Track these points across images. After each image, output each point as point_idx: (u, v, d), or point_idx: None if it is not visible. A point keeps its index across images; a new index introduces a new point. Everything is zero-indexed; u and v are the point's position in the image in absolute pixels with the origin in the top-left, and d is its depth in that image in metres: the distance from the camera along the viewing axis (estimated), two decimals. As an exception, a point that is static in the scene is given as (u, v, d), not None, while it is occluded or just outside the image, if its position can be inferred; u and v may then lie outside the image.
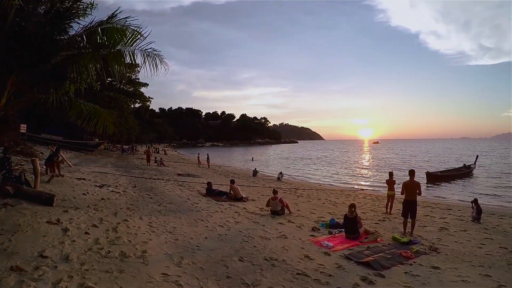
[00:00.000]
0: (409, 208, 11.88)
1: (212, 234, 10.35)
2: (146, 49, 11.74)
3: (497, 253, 10.08)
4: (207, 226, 11.24)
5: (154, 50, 11.91)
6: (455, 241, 11.35)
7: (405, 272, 7.86)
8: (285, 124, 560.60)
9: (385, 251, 9.44)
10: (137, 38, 11.51)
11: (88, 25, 11.33)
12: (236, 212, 14.23)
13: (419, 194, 11.98)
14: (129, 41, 11.54)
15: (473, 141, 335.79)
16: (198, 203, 15.49)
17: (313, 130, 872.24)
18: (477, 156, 51.62)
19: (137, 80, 67.60)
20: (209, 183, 19.40)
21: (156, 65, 11.94)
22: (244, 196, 17.76)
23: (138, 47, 11.68)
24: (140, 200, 15.05)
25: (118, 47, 11.61)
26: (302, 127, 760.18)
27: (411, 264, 8.49)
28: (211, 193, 18.30)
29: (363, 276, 7.46)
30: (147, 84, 72.08)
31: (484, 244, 11.13)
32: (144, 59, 11.79)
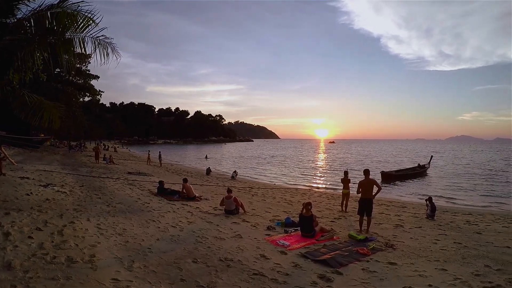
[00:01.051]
0: (365, 206, 12.04)
1: (164, 235, 10.06)
2: (97, 37, 11.34)
3: (451, 248, 10.36)
4: (159, 227, 10.91)
5: (106, 37, 11.53)
6: (411, 238, 11.58)
7: (363, 269, 7.89)
8: (241, 122, 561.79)
9: (342, 249, 9.47)
10: (88, 24, 11.07)
11: (37, 8, 10.78)
12: (189, 212, 13.95)
13: (379, 187, 12.15)
14: (80, 27, 11.06)
15: (428, 143, 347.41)
16: (149, 203, 15.10)
17: (269, 129, 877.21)
18: (432, 156, 53.26)
19: (87, 72, 65.23)
20: (160, 182, 19.04)
21: (107, 54, 11.56)
22: (197, 195, 17.50)
23: (89, 34, 11.26)
24: (88, 201, 14.54)
25: (68, 34, 11.12)
26: (258, 125, 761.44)
27: (368, 261, 8.53)
28: (162, 192, 17.92)
29: (320, 274, 7.42)
30: (98, 77, 69.83)
31: (439, 240, 11.42)
32: (95, 47, 11.38)
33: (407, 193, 28.10)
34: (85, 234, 9.42)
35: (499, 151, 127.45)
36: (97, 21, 11.10)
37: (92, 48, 11.40)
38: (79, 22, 10.99)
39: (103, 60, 11.43)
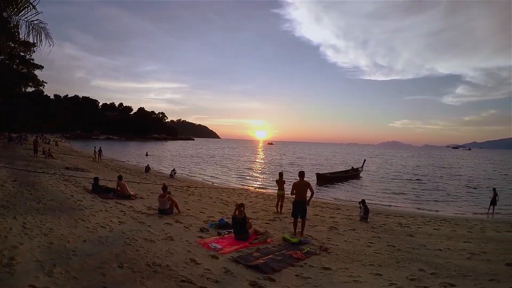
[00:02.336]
0: (299, 208, 11.73)
1: (92, 236, 9.26)
2: (32, 21, 10.43)
3: (385, 251, 10.27)
4: (88, 227, 10.09)
5: (41, 22, 10.62)
6: (345, 240, 11.43)
7: (296, 275, 7.49)
8: (183, 120, 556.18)
9: (275, 253, 9.06)
10: (26, 6, 10.16)
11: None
12: (122, 211, 13.12)
13: (312, 192, 11.82)
14: (17, 8, 10.15)
15: (361, 147, 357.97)
16: (82, 201, 14.14)
17: (210, 128, 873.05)
18: (364, 160, 54.49)
19: (31, 61, 61.68)
20: (95, 179, 17.88)
21: (41, 40, 10.66)
22: (132, 193, 16.63)
23: (24, 17, 10.34)
24: (18, 196, 13.63)
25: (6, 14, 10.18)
26: (199, 124, 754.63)
27: (301, 266, 8.17)
28: (97, 189, 16.90)
29: (252, 280, 6.95)
30: (42, 67, 66.49)
31: (372, 243, 11.34)
32: (29, 31, 10.48)
33: (341, 195, 28.32)
34: (8, 233, 8.76)
35: (427, 156, 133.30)
36: (35, 6, 10.17)
37: (26, 32, 10.46)
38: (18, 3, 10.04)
39: (37, 46, 10.53)
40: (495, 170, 67.92)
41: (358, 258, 9.27)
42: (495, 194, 22.11)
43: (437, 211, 22.52)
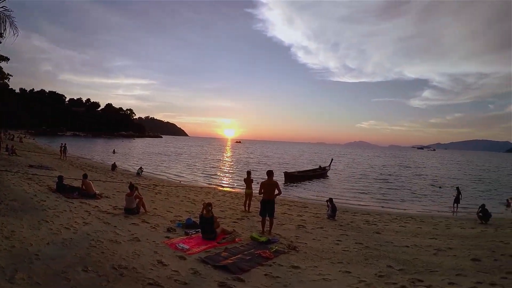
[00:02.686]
0: (267, 207, 11.62)
1: (56, 238, 8.82)
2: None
3: (353, 249, 10.33)
4: (51, 229, 9.62)
5: (6, 9, 10.20)
6: (313, 239, 11.42)
7: (265, 274, 7.41)
8: (151, 117, 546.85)
9: (244, 252, 8.94)
10: None
11: None
12: (87, 211, 12.62)
13: (279, 191, 11.76)
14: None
15: (328, 146, 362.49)
16: (45, 201, 13.49)
17: (179, 126, 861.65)
18: (332, 159, 55.11)
19: None
20: (60, 177, 17.07)
21: (5, 29, 10.24)
22: (97, 192, 16.14)
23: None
24: (-21, 197, 12.85)
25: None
26: (168, 122, 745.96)
27: (270, 265, 8.08)
28: (61, 188, 16.28)
29: (221, 281, 6.80)
30: (8, 58, 64.21)
31: (340, 241, 11.38)
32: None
33: (308, 193, 28.42)
34: (-31, 238, 8.14)
35: (393, 156, 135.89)
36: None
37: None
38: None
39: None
40: (459, 170, 70.19)
41: (327, 256, 9.26)
42: (459, 193, 22.70)
43: (405, 209, 22.89)
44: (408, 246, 10.96)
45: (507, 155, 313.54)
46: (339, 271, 7.96)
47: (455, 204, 22.57)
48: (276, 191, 11.72)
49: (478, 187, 39.15)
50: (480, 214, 17.26)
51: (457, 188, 23.81)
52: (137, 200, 13.15)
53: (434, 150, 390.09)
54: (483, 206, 17.50)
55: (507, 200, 19.99)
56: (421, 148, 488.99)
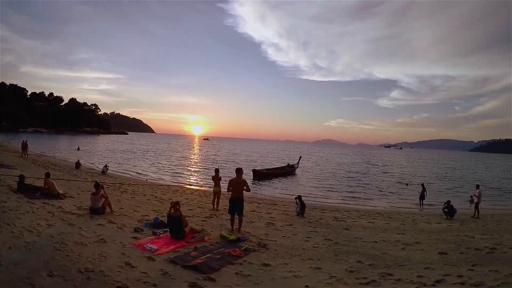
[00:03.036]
0: (236, 205, 11.57)
1: (18, 242, 8.35)
2: None
3: (323, 245, 10.40)
4: (13, 232, 9.09)
5: None
6: (283, 236, 11.43)
7: (236, 273, 7.34)
8: (117, 113, 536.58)
9: (213, 251, 8.85)
10: None
11: None
12: (50, 212, 12.06)
13: (248, 190, 11.75)
14: None
15: (297, 144, 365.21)
16: (6, 202, 12.78)
17: (145, 122, 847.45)
18: (300, 157, 55.22)
19: None
20: (21, 177, 16.21)
21: None
22: (61, 192, 15.63)
23: None
24: None
25: None
26: (134, 118, 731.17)
27: (241, 264, 8.02)
28: (23, 188, 15.71)
29: (191, 282, 6.69)
30: None
31: (310, 237, 11.44)
32: None
33: (277, 191, 28.53)
34: None
35: (361, 154, 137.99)
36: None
37: None
38: None
39: None
40: (425, 168, 72.29)
41: (297, 253, 9.29)
42: (424, 189, 23.22)
43: (373, 206, 23.38)
44: (377, 242, 11.15)
45: (471, 154, 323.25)
46: (310, 267, 8.00)
47: (421, 200, 23.08)
48: (245, 188, 11.74)
49: (444, 185, 40.57)
50: (446, 210, 17.72)
51: (422, 185, 24.45)
52: (103, 199, 12.79)
53: (401, 148, 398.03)
54: (448, 202, 17.98)
55: (471, 196, 20.60)
56: (388, 146, 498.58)
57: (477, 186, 20.24)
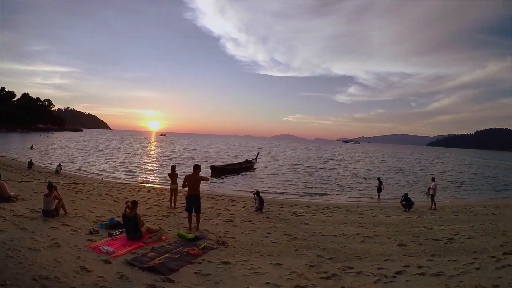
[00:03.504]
0: (193, 203, 11.45)
1: None
2: None
3: (283, 241, 10.47)
4: None
5: None
6: (242, 233, 11.43)
7: (195, 272, 7.25)
8: (71, 109, 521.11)
9: (172, 251, 8.73)
10: None
11: None
12: (1, 216, 11.34)
13: (206, 179, 11.92)
14: None
15: (255, 139, 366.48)
16: None
17: (100, 118, 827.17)
18: (258, 152, 55.50)
19: None
20: None
21: None
22: (12, 194, 15.05)
23: None
24: None
25: None
26: (88, 114, 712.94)
27: (200, 262, 7.94)
28: None
29: (150, 284, 6.55)
30: None
31: (269, 233, 11.49)
32: None
33: (235, 187, 28.41)
34: None
35: (319, 149, 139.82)
36: None
37: None
38: None
39: None
40: (383, 162, 73.97)
41: (257, 250, 9.30)
42: (380, 183, 23.72)
43: (334, 201, 23.61)
44: (336, 235, 11.31)
45: (427, 149, 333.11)
46: (270, 263, 8.01)
47: (378, 194, 23.54)
48: (203, 179, 11.75)
49: (401, 178, 41.85)
50: (404, 202, 18.13)
51: (378, 178, 25.00)
52: (56, 201, 12.31)
53: (359, 143, 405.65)
54: (406, 195, 18.42)
55: (428, 189, 21.16)
56: (346, 141, 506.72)
57: (433, 179, 20.83)
